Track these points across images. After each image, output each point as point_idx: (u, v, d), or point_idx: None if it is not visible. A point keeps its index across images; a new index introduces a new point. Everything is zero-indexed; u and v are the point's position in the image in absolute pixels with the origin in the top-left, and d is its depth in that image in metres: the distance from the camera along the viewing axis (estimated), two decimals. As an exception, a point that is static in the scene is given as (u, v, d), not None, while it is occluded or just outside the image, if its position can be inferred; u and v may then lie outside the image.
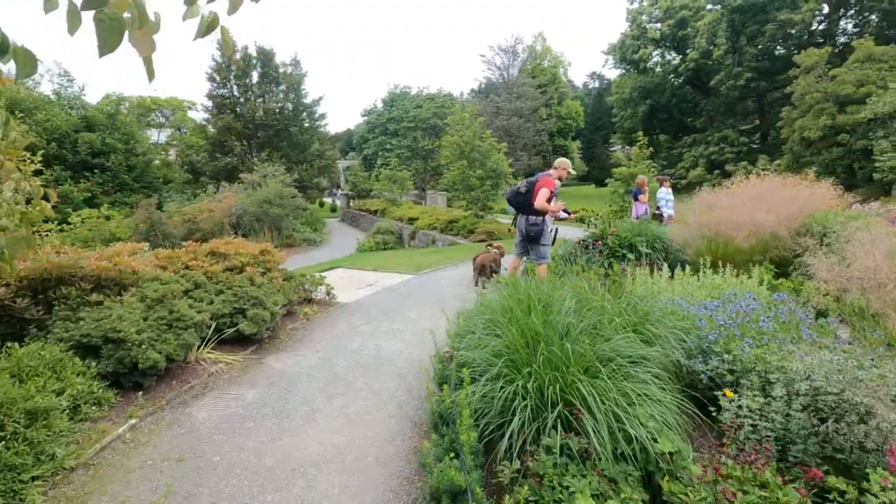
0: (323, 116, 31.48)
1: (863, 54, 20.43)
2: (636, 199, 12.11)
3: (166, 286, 4.68)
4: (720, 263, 5.75)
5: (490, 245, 8.89)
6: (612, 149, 72.29)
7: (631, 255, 7.86)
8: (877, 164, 17.81)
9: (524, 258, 6.97)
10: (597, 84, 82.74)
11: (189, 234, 17.89)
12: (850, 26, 31.33)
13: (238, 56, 27.55)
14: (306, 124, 30.51)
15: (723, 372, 2.95)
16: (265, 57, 28.34)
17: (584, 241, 8.53)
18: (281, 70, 29.16)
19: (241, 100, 28.14)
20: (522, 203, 6.40)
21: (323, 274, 8.50)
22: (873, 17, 29.16)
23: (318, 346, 5.29)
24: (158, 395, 4.04)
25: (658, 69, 40.81)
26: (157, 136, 37.17)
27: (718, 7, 31.80)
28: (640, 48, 36.40)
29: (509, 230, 15.38)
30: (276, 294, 5.59)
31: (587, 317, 3.24)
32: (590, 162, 65.63)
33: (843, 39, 30.76)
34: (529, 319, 3.09)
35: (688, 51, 34.30)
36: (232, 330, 5.01)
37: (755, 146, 34.22)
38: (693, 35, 33.14)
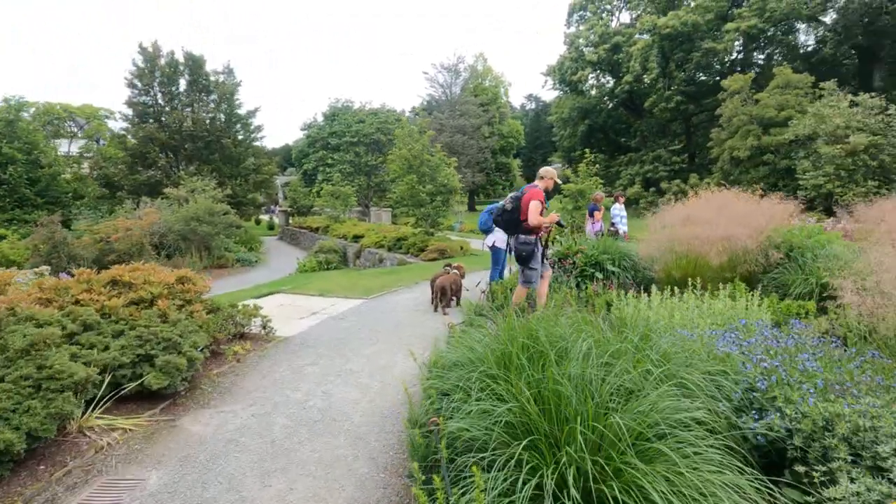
0: (259, 129, 29.73)
1: (782, 80, 22.03)
2: (591, 216, 11.85)
3: (40, 331, 3.50)
4: (688, 281, 5.32)
5: (448, 266, 8.15)
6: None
7: (599, 275, 7.40)
8: (800, 183, 19.00)
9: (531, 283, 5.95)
10: (533, 105, 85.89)
11: (101, 257, 15.77)
12: (760, 58, 34.17)
13: (163, 62, 25.41)
14: (240, 136, 28.61)
15: (780, 431, 2.32)
16: (194, 63, 26.34)
17: (548, 259, 8.01)
18: (212, 78, 27.23)
19: (167, 108, 25.89)
20: (510, 221, 5.64)
21: (258, 302, 7.38)
22: (777, 51, 32.02)
23: (251, 398, 4.24)
24: (13, 490, 2.87)
25: (594, 91, 42.54)
26: (68, 147, 33.57)
27: (648, 35, 33.58)
28: (579, 70, 37.70)
29: (462, 248, 14.73)
30: (196, 333, 4.47)
31: (609, 364, 2.52)
32: (529, 180, 67.03)
33: (755, 70, 33.48)
34: (543, 374, 2.32)
35: (622, 74, 35.93)
36: (134, 384, 3.87)
37: (685, 166, 36.15)
38: (627, 60, 34.76)
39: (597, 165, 19.17)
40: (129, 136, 24.54)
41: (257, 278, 17.60)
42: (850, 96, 18.66)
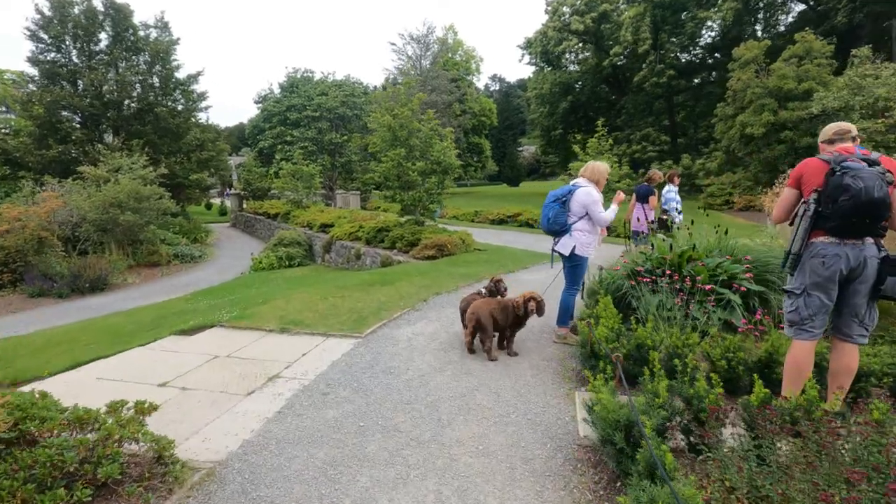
0: (203, 97, 25.18)
1: (802, 49, 19.84)
2: (643, 202, 8.98)
3: None
4: None
5: (496, 282, 5.08)
6: (520, 149, 72.47)
7: (736, 298, 4.52)
8: (829, 162, 16.86)
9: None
10: (498, 87, 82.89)
11: (-20, 255, 11.79)
12: (757, 30, 32.24)
13: (77, 10, 20.59)
14: (180, 106, 24.11)
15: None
16: (117, 14, 21.55)
17: (635, 271, 5.07)
18: (141, 33, 22.52)
19: (84, 69, 21.11)
20: None
21: (178, 344, 4.10)
22: (782, 18, 30.13)
23: None
24: None
25: (575, 67, 39.89)
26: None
27: (640, 1, 30.96)
28: (563, 41, 34.80)
29: (463, 241, 11.62)
30: None
31: None
32: (500, 161, 64.79)
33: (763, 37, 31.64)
34: None
35: (609, 47, 33.28)
36: None
37: (667, 147, 34.13)
38: (615, 30, 32.11)
39: (610, 141, 16.43)
40: (34, 102, 19.74)
41: (199, 280, 13.92)
42: (887, 64, 16.57)
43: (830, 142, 3.19)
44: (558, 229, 4.70)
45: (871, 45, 18.06)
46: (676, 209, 9.54)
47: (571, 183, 4.96)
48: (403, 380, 4.08)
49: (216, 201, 42.05)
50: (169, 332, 5.75)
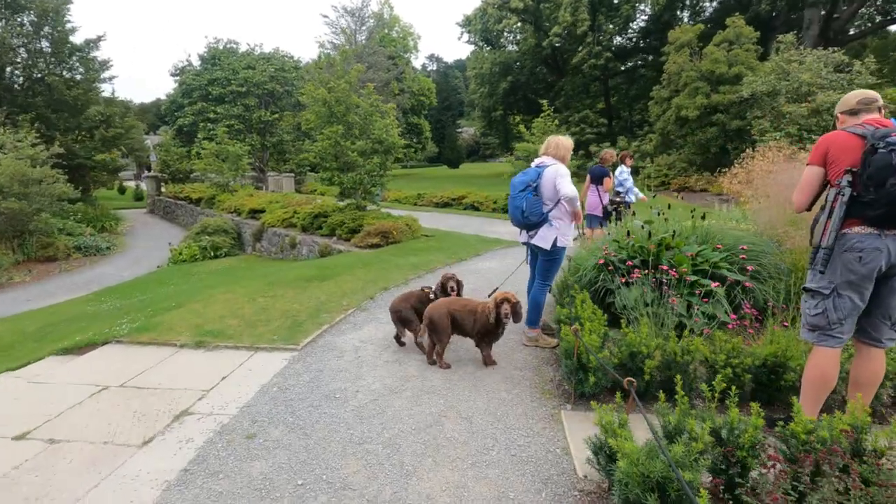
0: (106, 65, 22.10)
1: (732, 33, 20.47)
2: (597, 184, 8.59)
3: None
4: None
5: (446, 280, 4.39)
6: (459, 131, 71.98)
7: (720, 291, 4.12)
8: (757, 144, 17.57)
9: None
10: (435, 66, 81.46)
11: None
12: (685, 16, 33.31)
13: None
14: (79, 76, 21.05)
15: None
16: (-8, -37, 18.23)
17: (609, 262, 4.57)
18: (24, -12, 19.24)
19: (-50, 28, 17.75)
20: None
21: (59, 367, 3.05)
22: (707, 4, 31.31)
23: None
24: None
25: (514, 47, 39.56)
26: None
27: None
28: (503, 18, 34.21)
29: (409, 226, 10.83)
30: None
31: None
32: (440, 143, 64.03)
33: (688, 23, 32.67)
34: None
35: (548, 25, 33.11)
36: None
37: (604, 129, 34.85)
38: (555, 9, 31.91)
39: (556, 121, 16.09)
40: None
41: (105, 276, 12.16)
42: (811, 50, 17.40)
43: (854, 112, 2.71)
44: (536, 221, 4.04)
45: (795, 32, 18.91)
46: (631, 191, 9.30)
47: (535, 164, 4.32)
48: (352, 408, 3.29)
49: (131, 184, 38.10)
50: (49, 353, 4.56)
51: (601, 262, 4.56)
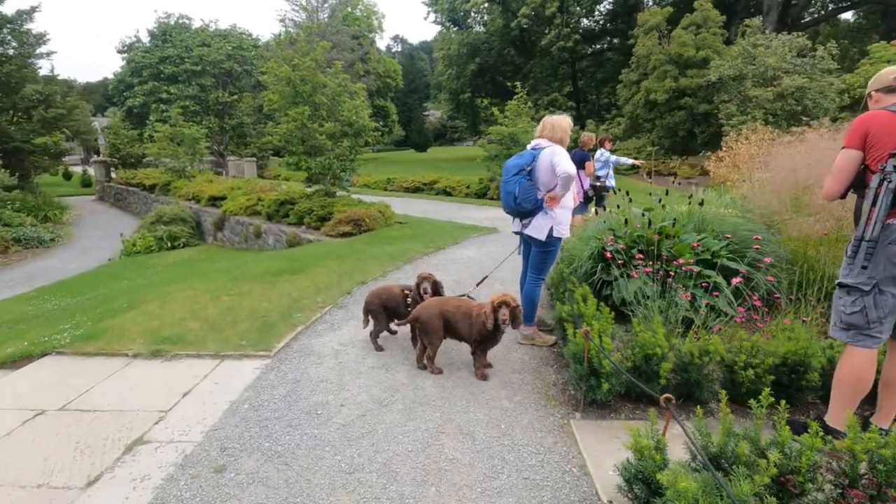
0: (43, 39, 20.18)
1: (700, 17, 20.57)
2: (580, 168, 8.35)
3: None
4: None
5: (422, 280, 4.01)
6: (426, 113, 70.81)
7: (721, 281, 3.91)
8: (724, 128, 17.81)
9: None
10: (400, 48, 79.47)
11: None
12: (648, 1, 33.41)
13: None
14: (11, 51, 19.16)
15: None
16: None
17: (610, 252, 4.31)
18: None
19: None
20: None
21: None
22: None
23: None
24: None
25: (482, 28, 38.88)
26: None
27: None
28: (471, -2, 33.43)
29: (382, 213, 10.35)
30: None
31: None
32: (407, 126, 62.84)
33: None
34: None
35: (516, 6, 32.57)
36: None
37: (573, 113, 34.91)
38: (522, -11, 31.35)
39: (529, 104, 15.75)
40: None
41: (48, 270, 11.16)
42: (777, 35, 17.65)
43: (891, 89, 2.46)
44: (530, 209, 3.70)
45: (760, 17, 19.14)
46: (610, 176, 9.12)
47: (530, 147, 3.98)
48: (337, 426, 2.90)
49: (78, 170, 35.61)
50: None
51: (606, 253, 4.26)
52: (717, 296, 3.64)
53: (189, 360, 3.81)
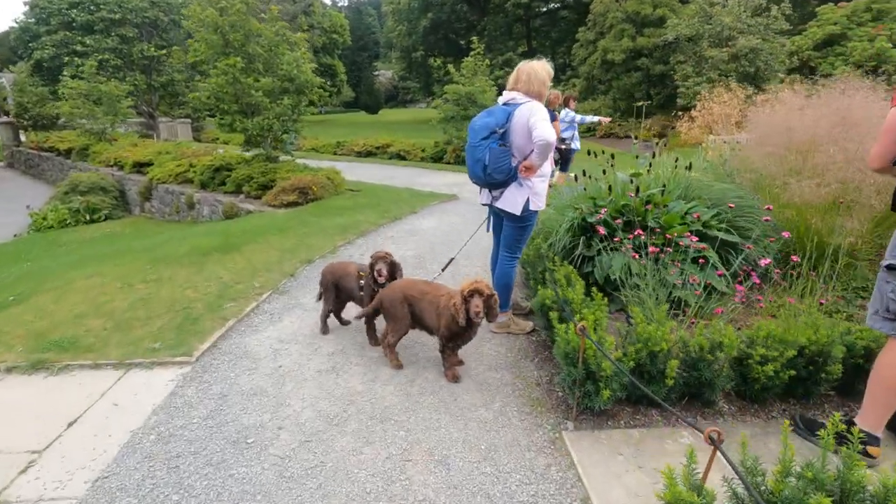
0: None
1: (657, -27, 20.07)
2: (545, 127, 7.70)
3: None
4: None
5: (376, 260, 3.33)
6: (376, 73, 67.69)
7: (713, 256, 3.49)
8: (679, 90, 17.69)
9: None
10: (346, 2, 74.78)
11: None
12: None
13: None
14: None
15: None
16: None
17: (591, 220, 3.81)
18: None
19: None
20: None
21: None
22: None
23: None
24: None
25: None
26: None
27: None
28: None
29: (331, 179, 9.46)
30: None
31: None
32: (356, 87, 59.88)
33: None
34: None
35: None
36: None
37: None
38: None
39: (487, 61, 14.86)
40: None
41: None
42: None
43: None
44: (502, 179, 3.07)
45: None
46: (575, 137, 8.62)
47: (503, 102, 3.30)
48: (273, 460, 2.26)
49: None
50: None
51: (599, 229, 3.71)
52: (721, 275, 3.20)
53: (83, 373, 3.01)
